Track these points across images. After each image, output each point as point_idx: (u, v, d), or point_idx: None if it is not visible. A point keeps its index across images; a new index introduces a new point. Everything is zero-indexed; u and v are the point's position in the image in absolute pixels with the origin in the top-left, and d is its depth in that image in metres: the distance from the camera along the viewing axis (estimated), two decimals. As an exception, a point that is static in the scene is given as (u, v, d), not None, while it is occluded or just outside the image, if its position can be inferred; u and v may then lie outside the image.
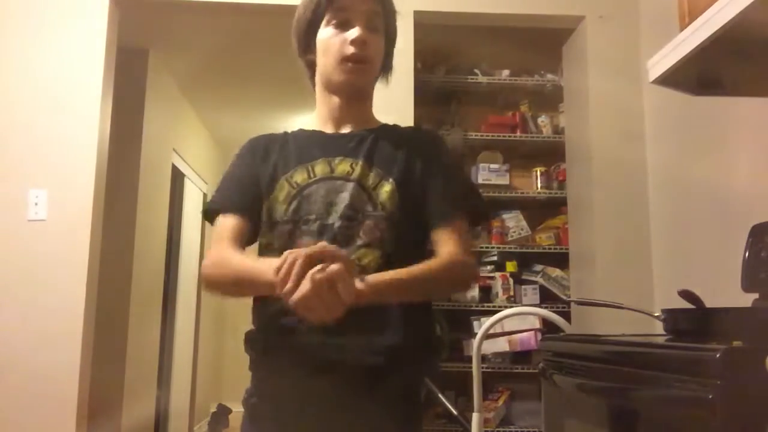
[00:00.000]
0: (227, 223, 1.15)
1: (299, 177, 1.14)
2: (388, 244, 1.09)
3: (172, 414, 4.43)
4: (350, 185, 1.11)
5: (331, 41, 1.13)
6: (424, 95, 2.94)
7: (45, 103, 2.53)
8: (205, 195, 5.41)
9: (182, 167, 4.60)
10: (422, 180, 1.14)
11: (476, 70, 3.17)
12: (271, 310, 1.07)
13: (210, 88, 4.42)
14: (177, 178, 4.56)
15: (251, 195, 1.16)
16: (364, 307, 0.97)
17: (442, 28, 2.95)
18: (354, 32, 1.11)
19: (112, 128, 2.70)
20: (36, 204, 2.45)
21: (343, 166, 1.14)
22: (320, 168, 1.14)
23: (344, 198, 1.10)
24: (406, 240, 1.11)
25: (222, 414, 5.56)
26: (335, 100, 1.19)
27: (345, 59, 1.12)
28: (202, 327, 5.27)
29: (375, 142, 1.17)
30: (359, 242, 1.08)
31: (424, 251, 1.18)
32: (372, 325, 1.04)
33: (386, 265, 1.06)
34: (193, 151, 4.93)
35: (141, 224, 3.59)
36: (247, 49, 3.66)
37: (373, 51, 1.14)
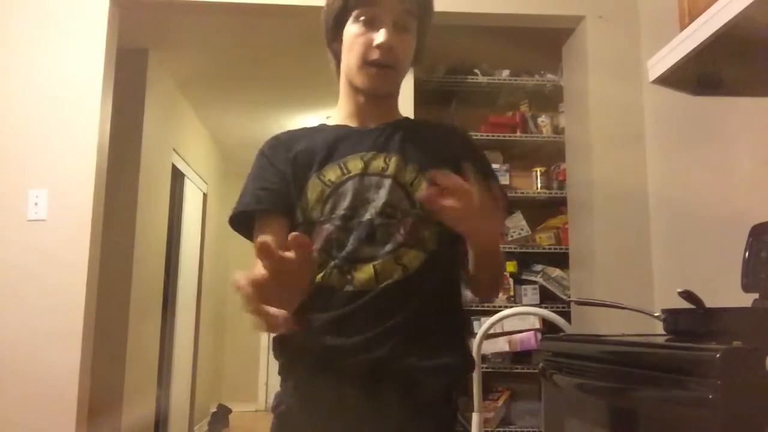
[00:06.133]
0: (267, 226, 1.08)
1: (332, 174, 1.09)
2: (430, 244, 1.06)
3: (172, 414, 4.43)
4: (387, 181, 1.07)
5: (356, 41, 1.07)
6: (424, 95, 2.94)
7: (45, 102, 2.52)
8: (205, 195, 5.40)
9: (182, 167, 4.60)
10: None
11: (476, 70, 3.17)
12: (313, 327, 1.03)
13: (210, 88, 4.41)
14: (177, 178, 4.55)
15: (284, 193, 1.09)
16: (405, 324, 0.99)
17: (442, 28, 2.94)
18: (380, 36, 1.05)
19: (112, 128, 2.69)
20: (36, 204, 2.45)
21: (377, 162, 1.09)
22: (353, 164, 1.09)
23: (382, 195, 1.06)
24: (445, 239, 1.07)
25: (222, 414, 5.55)
26: (360, 98, 1.15)
27: (368, 63, 1.07)
28: (202, 327, 5.26)
29: (405, 137, 1.13)
30: (399, 239, 1.05)
31: (460, 251, 1.14)
32: (413, 343, 1.02)
33: (428, 264, 1.04)
34: (193, 151, 4.92)
35: (141, 224, 3.59)
36: (247, 49, 3.65)
37: (401, 54, 1.09)
